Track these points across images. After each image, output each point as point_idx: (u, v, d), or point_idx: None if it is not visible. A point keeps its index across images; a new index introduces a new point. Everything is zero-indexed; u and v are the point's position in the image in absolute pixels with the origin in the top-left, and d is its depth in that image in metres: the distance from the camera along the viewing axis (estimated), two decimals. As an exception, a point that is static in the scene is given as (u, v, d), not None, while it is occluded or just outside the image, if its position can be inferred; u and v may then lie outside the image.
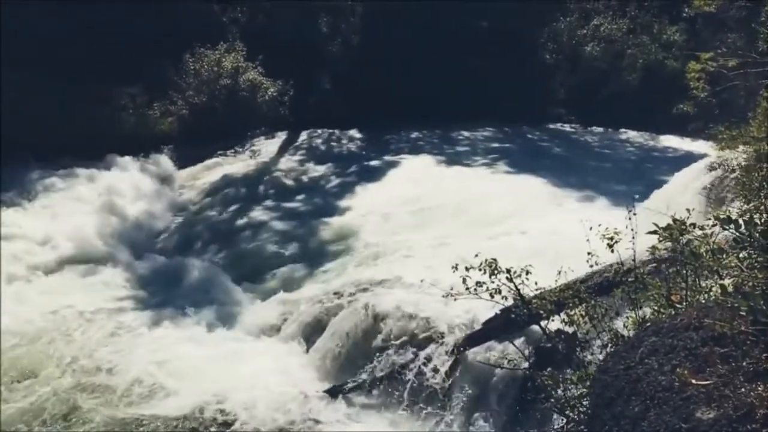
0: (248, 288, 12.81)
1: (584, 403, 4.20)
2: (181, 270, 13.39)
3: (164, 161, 20.07)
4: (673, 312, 3.85)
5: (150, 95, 21.89)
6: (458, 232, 12.98)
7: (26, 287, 12.76)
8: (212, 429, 8.90)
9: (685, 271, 4.17)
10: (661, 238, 3.99)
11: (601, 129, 24.27)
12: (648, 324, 3.71)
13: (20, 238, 14.27)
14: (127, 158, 19.28)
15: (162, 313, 11.89)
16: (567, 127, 24.84)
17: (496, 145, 21.74)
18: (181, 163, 20.25)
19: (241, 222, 15.85)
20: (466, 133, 22.96)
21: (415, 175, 17.60)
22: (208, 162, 20.20)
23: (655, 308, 4.22)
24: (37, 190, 16.91)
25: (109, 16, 21.13)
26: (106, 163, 18.82)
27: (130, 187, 17.67)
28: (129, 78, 21.24)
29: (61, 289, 12.81)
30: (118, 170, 18.70)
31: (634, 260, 4.77)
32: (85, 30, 20.45)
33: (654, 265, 5.08)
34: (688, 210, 4.18)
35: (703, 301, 3.78)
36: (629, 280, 4.71)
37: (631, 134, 23.55)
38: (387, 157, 19.61)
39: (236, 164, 20.19)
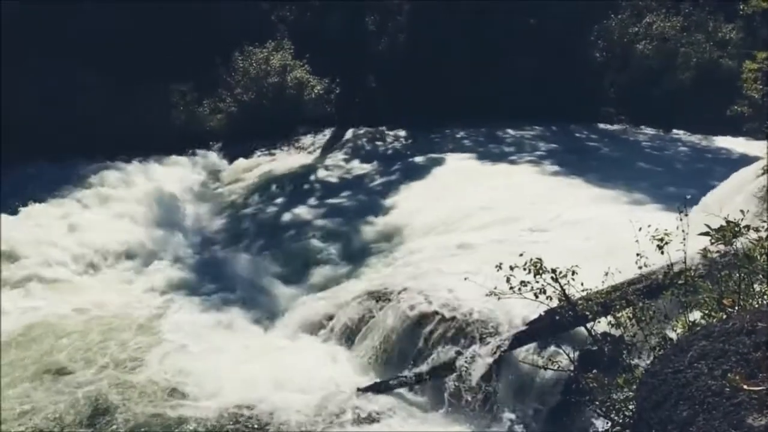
0: (292, 285, 12.91)
1: (630, 406, 4.13)
2: (226, 265, 13.62)
3: (213, 157, 20.48)
4: (724, 316, 3.75)
5: (200, 92, 22.36)
6: (503, 231, 12.85)
7: (68, 282, 12.95)
8: (253, 424, 8.88)
9: (738, 275, 4.05)
10: (713, 240, 3.88)
11: (652, 129, 23.76)
12: (698, 328, 3.62)
13: (67, 233, 14.60)
14: (178, 154, 19.74)
15: (205, 308, 12.04)
16: (616, 127, 24.39)
17: (543, 144, 21.47)
18: (229, 159, 20.65)
19: (286, 218, 16.05)
20: (512, 132, 22.74)
21: (460, 175, 17.50)
22: (256, 158, 20.51)
23: (706, 312, 4.12)
24: (88, 185, 17.34)
25: (161, 15, 21.64)
26: (157, 159, 19.30)
27: (179, 183, 18.09)
28: (180, 75, 21.74)
29: (106, 283, 13.03)
30: (169, 166, 19.16)
31: (684, 262, 4.66)
32: (137, 28, 21.00)
33: (705, 267, 4.95)
34: (742, 212, 4.06)
35: (757, 306, 3.68)
36: (679, 282, 4.61)
37: (684, 135, 22.99)
38: (432, 156, 19.53)
39: (282, 161, 20.44)
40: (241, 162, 20.27)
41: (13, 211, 15.21)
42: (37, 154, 17.92)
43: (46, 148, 17.97)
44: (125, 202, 16.40)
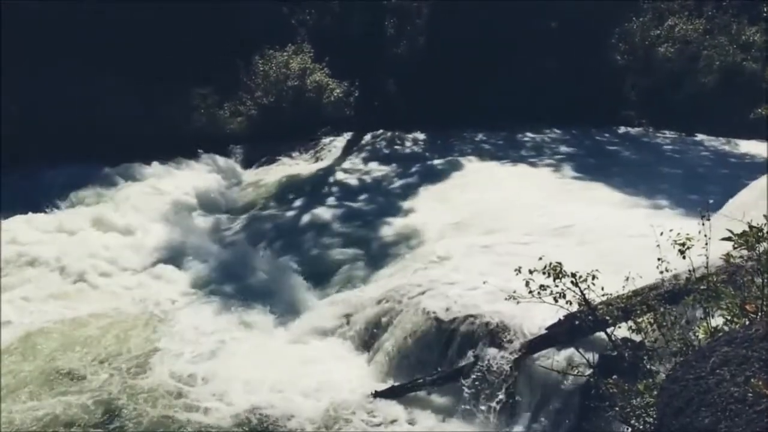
0: (310, 287, 12.87)
1: (650, 412, 4.09)
2: (244, 268, 13.61)
3: (232, 160, 20.62)
4: (747, 322, 3.70)
5: (220, 95, 22.53)
6: (522, 236, 12.79)
7: (82, 285, 12.93)
8: (266, 428, 8.82)
9: (761, 280, 4.00)
10: (736, 245, 3.84)
11: (673, 133, 23.53)
12: (720, 333, 3.58)
13: (82, 236, 14.70)
14: (198, 156, 19.89)
15: (221, 311, 12.01)
16: (638, 130, 24.19)
17: (563, 148, 21.36)
18: (249, 162, 20.78)
19: (304, 221, 16.08)
20: (531, 135, 22.66)
21: (479, 178, 17.46)
22: (275, 161, 20.62)
23: (728, 318, 4.06)
24: (106, 187, 17.54)
25: (182, 18, 21.85)
26: (177, 162, 19.45)
27: (198, 185, 18.21)
28: (200, 78, 21.93)
29: (122, 287, 13.01)
30: (188, 169, 19.30)
31: (706, 267, 4.61)
32: (157, 31, 21.21)
33: (728, 273, 4.88)
34: (766, 217, 4.01)
35: (781, 312, 3.63)
36: (701, 288, 4.55)
37: (706, 139, 22.73)
38: (450, 159, 19.53)
39: (301, 164, 20.54)
40: (260, 165, 20.38)
41: (26, 214, 15.38)
42: (53, 156, 18.11)
43: (63, 151, 18.15)
44: (143, 205, 16.51)
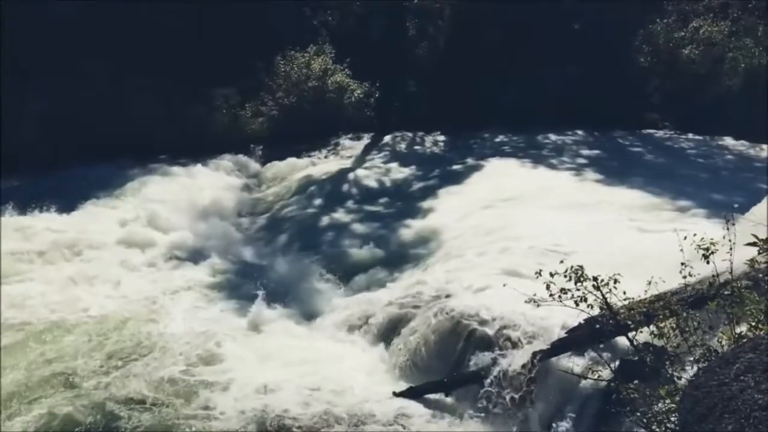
0: (328, 288, 12.87)
1: (672, 418, 4.06)
2: (263, 267, 13.69)
3: (254, 160, 20.74)
4: (772, 328, 3.66)
5: (243, 96, 22.69)
6: (541, 239, 12.70)
7: (100, 283, 12.92)
8: (281, 428, 8.77)
9: (787, 286, 3.96)
10: (761, 251, 3.80)
11: (698, 136, 23.21)
12: (745, 340, 3.54)
13: (102, 235, 14.79)
14: (220, 157, 20.04)
15: (239, 310, 12.00)
16: (661, 133, 23.93)
17: (585, 150, 21.20)
18: (270, 162, 20.87)
19: (324, 222, 16.14)
20: (553, 137, 22.52)
21: (499, 181, 17.38)
22: (295, 162, 20.70)
23: (753, 324, 4.02)
24: (129, 186, 17.69)
25: (206, 20, 22.06)
26: (199, 161, 19.61)
27: (220, 185, 18.35)
28: (223, 80, 22.11)
29: (136, 285, 12.99)
30: (210, 168, 19.46)
31: (731, 272, 4.55)
32: (182, 33, 21.42)
33: (753, 278, 4.83)
34: (792, 222, 3.96)
35: (807, 319, 3.58)
36: (725, 293, 4.50)
37: (731, 142, 22.38)
38: (471, 161, 19.48)
39: (322, 165, 20.60)
40: (281, 165, 20.48)
41: (36, 214, 15.48)
42: (75, 156, 18.39)
43: (86, 150, 18.45)
44: (163, 205, 16.62)
